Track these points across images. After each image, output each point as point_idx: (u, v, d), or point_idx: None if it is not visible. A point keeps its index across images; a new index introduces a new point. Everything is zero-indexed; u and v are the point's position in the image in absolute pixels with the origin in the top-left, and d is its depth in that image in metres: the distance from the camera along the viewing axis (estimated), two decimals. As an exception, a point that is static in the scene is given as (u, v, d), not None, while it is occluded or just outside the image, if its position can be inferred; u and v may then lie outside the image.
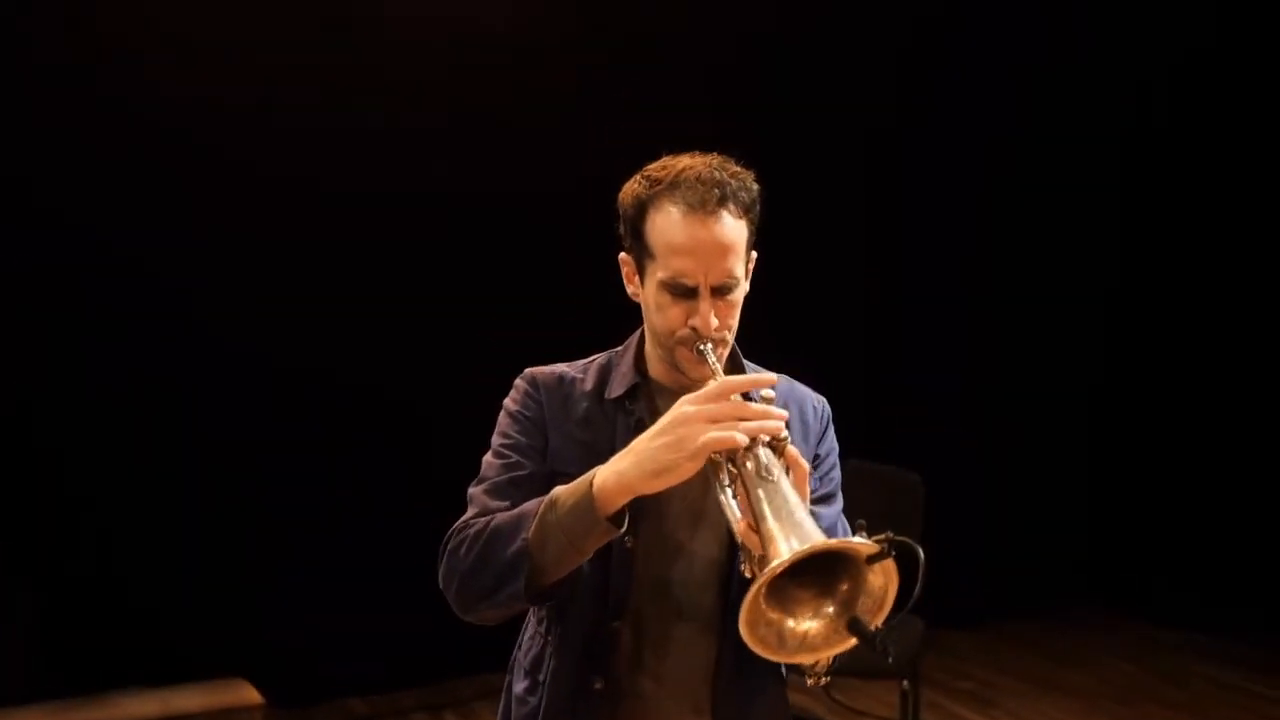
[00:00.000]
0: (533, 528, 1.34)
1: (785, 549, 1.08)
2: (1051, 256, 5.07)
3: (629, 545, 1.46)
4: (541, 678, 1.54)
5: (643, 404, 1.55)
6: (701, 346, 1.44)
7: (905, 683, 3.11)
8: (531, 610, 1.60)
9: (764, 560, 1.11)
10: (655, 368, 1.57)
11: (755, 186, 1.47)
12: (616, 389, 1.57)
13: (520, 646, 1.63)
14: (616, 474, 1.30)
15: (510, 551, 1.35)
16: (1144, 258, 5.24)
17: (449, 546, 1.43)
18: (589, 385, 1.58)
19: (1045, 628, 5.01)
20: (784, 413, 1.26)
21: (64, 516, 3.42)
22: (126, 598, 3.43)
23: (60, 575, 3.43)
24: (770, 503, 1.16)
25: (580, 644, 1.50)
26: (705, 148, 1.49)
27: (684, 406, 1.27)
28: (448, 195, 3.67)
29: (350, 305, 3.64)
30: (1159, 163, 5.13)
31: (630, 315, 1.63)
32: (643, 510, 1.43)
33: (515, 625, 1.63)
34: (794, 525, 1.12)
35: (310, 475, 3.67)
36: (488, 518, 1.41)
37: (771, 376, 1.31)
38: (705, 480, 1.36)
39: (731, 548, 1.50)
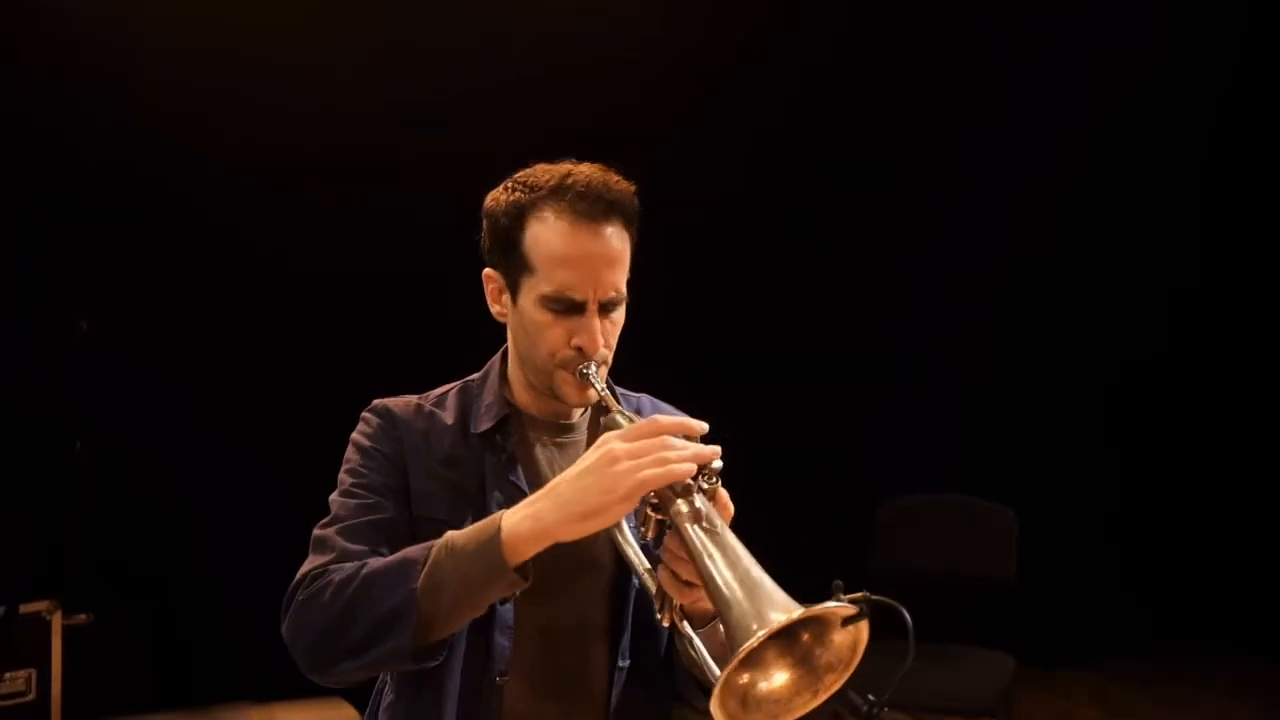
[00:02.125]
0: (422, 576, 1.18)
1: (754, 620, 0.97)
2: (1146, 283, 4.89)
3: (514, 594, 1.24)
4: None
5: (513, 438, 1.41)
6: (585, 369, 1.32)
7: (993, 721, 3.04)
8: (388, 673, 1.42)
9: (727, 628, 0.99)
10: (521, 395, 1.44)
11: (637, 201, 1.35)
12: (483, 422, 1.41)
13: (375, 716, 1.44)
14: (532, 518, 1.15)
15: (392, 602, 1.17)
16: (1233, 261, 5.00)
17: (300, 596, 1.25)
18: (450, 418, 1.42)
19: (1161, 669, 4.78)
20: (716, 449, 1.14)
21: (174, 530, 3.58)
22: (233, 613, 3.58)
23: (169, 589, 3.60)
24: (721, 559, 1.04)
25: (462, 704, 1.34)
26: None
27: (611, 444, 1.14)
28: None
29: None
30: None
31: (472, 338, 1.52)
32: None
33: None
34: (755, 586, 1.00)
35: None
36: (356, 564, 1.24)
37: (702, 425, 1.16)
38: None
39: (620, 586, 1.40)
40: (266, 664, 3.54)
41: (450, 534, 1.21)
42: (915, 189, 4.52)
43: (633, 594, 1.40)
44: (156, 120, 3.52)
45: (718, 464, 1.13)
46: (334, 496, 1.38)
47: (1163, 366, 4.91)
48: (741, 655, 0.96)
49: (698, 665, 1.19)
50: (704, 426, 1.17)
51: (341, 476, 1.39)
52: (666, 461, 1.10)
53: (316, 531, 1.33)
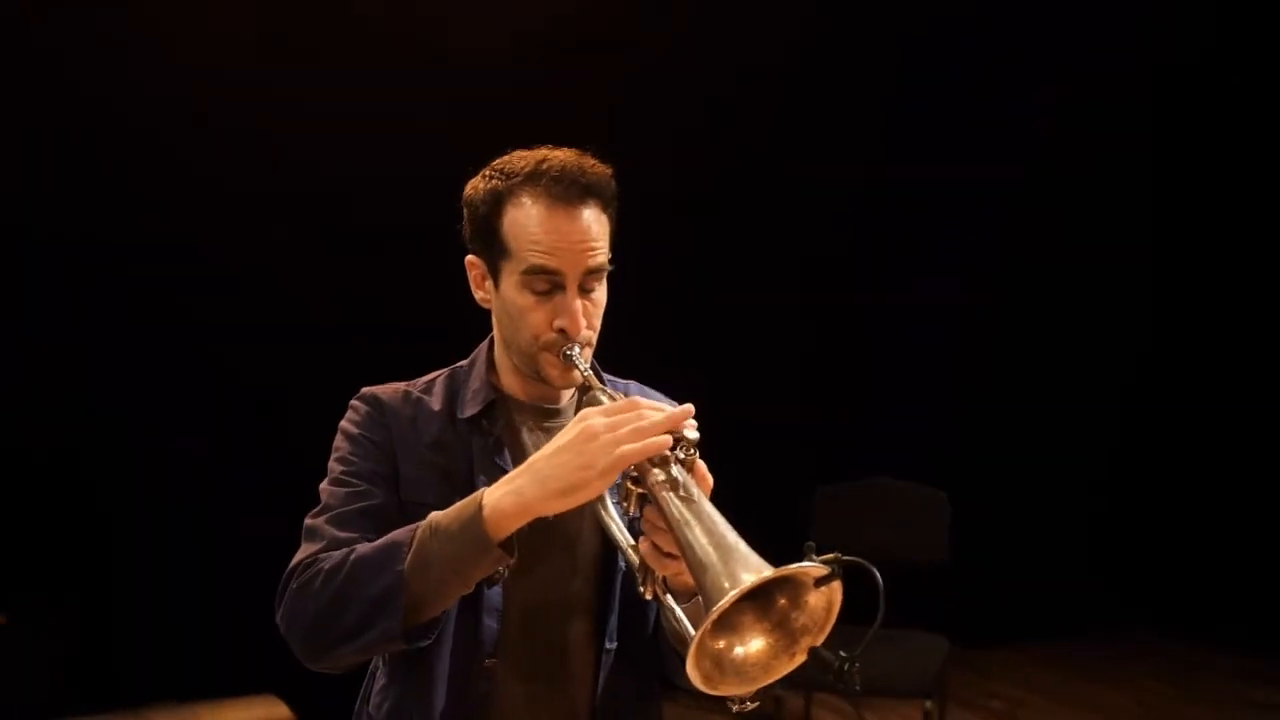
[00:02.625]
0: (409, 558, 1.21)
1: (727, 580, 1.00)
2: (1072, 263, 5.02)
3: (501, 573, 1.28)
4: None
5: (500, 422, 1.43)
6: (569, 351, 1.33)
7: (928, 702, 3.09)
8: (380, 659, 1.46)
9: (702, 591, 1.03)
10: (508, 381, 1.45)
11: (614, 184, 1.38)
12: (470, 407, 1.43)
13: (368, 701, 1.46)
14: (514, 494, 1.18)
15: (381, 586, 1.20)
16: (1173, 261, 5.15)
17: (293, 585, 1.28)
18: (438, 404, 1.44)
19: (1079, 647, 4.93)
20: (689, 408, 1.17)
21: (96, 529, 3.47)
22: (159, 612, 3.48)
23: (94, 589, 3.48)
24: (697, 525, 1.07)
25: (451, 687, 1.36)
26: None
27: (589, 420, 1.17)
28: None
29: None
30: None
31: (463, 326, 1.55)
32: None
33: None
34: (729, 550, 1.04)
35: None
36: (344, 550, 1.27)
37: (688, 407, 1.19)
38: None
39: (606, 566, 1.42)
40: (193, 662, 3.49)
41: (434, 514, 1.23)
42: (881, 185, 4.58)
43: (619, 574, 1.41)
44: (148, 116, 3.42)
45: (694, 434, 1.16)
46: (324, 485, 1.39)
47: (1086, 357, 5.05)
48: (715, 615, 0.98)
49: (681, 640, 1.20)
50: (689, 408, 1.19)
51: (331, 465, 1.41)
52: (642, 433, 1.13)
53: (308, 521, 1.35)
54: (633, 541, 1.25)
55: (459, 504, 1.23)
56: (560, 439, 1.19)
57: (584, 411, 1.20)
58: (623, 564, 1.39)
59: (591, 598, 1.42)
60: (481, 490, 1.22)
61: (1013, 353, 4.92)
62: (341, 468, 1.39)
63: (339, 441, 1.42)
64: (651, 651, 1.44)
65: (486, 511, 1.19)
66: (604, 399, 1.27)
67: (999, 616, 4.74)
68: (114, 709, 3.28)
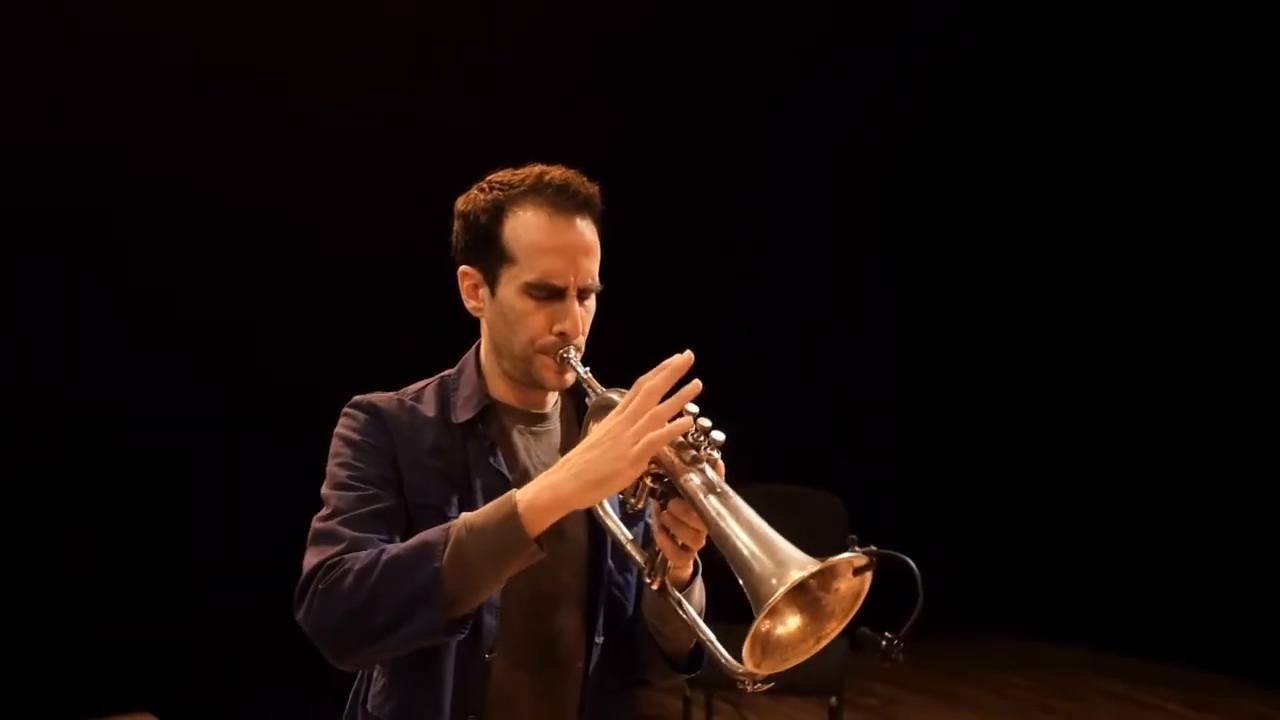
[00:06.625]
0: (446, 555, 1.24)
1: (775, 575, 1.08)
2: (947, 280, 5.32)
3: None
4: None
5: (494, 427, 1.48)
6: (566, 354, 1.39)
7: (834, 699, 3.18)
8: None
9: (750, 582, 1.10)
10: (497, 387, 1.49)
11: (601, 201, 1.45)
12: (463, 413, 1.47)
13: (364, 700, 1.48)
14: (549, 489, 1.24)
15: (417, 583, 1.24)
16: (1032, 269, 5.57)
17: (319, 587, 1.28)
18: (431, 411, 1.47)
19: (945, 645, 5.12)
20: (694, 386, 1.22)
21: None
22: (25, 633, 3.26)
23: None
24: (735, 519, 1.15)
25: (454, 682, 1.41)
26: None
27: (613, 420, 1.23)
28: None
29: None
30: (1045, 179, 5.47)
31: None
32: None
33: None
34: (772, 545, 1.12)
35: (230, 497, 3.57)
36: (374, 550, 1.29)
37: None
38: None
39: (594, 560, 1.48)
40: (62, 682, 3.27)
41: (465, 515, 1.29)
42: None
43: (606, 569, 1.49)
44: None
45: (720, 436, 1.23)
46: (327, 490, 1.40)
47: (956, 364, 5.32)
48: (768, 608, 1.07)
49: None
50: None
51: (332, 470, 1.42)
52: (660, 418, 1.20)
53: (317, 525, 1.36)
54: (631, 537, 1.37)
55: (490, 505, 1.28)
56: (590, 437, 1.26)
57: (611, 412, 1.25)
58: (610, 561, 1.48)
59: (581, 591, 1.48)
60: (511, 491, 1.27)
61: (897, 365, 5.16)
62: (346, 473, 1.40)
63: (338, 447, 1.43)
64: (633, 649, 1.50)
65: (522, 508, 1.24)
66: (617, 398, 1.30)
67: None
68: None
